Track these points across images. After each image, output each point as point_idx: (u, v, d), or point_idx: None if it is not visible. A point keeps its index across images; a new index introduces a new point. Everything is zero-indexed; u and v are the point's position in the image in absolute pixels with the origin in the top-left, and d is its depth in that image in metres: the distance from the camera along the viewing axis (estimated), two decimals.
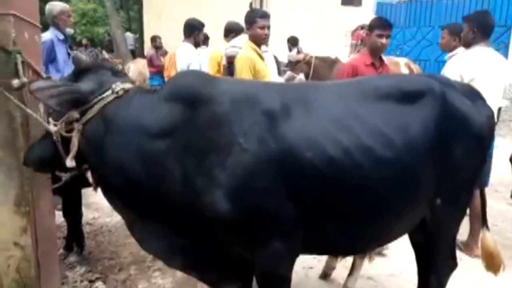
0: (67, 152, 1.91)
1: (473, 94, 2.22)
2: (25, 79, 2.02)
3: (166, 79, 6.58)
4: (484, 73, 3.43)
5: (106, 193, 2.05)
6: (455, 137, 2.05)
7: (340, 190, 1.89)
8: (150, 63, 8.90)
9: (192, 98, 1.86)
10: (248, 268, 2.00)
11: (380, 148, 1.89)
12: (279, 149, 1.79)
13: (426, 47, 10.17)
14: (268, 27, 3.88)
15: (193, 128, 1.80)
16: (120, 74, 2.12)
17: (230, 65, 4.26)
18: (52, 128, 1.93)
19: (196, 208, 1.77)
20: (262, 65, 3.87)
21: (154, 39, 9.49)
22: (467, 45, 3.68)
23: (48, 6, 4.63)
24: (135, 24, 21.54)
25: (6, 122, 2.09)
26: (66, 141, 1.91)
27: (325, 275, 3.31)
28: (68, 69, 4.49)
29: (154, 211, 1.92)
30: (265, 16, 3.89)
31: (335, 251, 2.44)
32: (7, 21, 2.06)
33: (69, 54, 4.77)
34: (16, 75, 2.02)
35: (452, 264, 2.46)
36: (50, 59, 4.40)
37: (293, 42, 8.96)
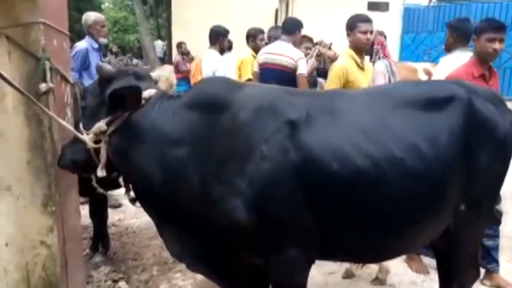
0: (99, 157, 2.00)
1: (496, 100, 2.17)
2: (51, 85, 2.11)
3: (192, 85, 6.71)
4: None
5: (137, 197, 2.09)
6: (481, 144, 2.02)
7: (363, 201, 1.87)
8: (177, 69, 9.08)
9: (214, 104, 1.87)
10: (264, 275, 2.01)
11: (409, 159, 1.87)
12: (300, 158, 1.79)
13: None
14: (371, 32, 3.61)
15: (214, 135, 1.81)
16: (144, 79, 2.13)
17: (262, 72, 4.29)
18: (86, 138, 1.97)
19: (214, 214, 1.78)
20: (358, 75, 3.60)
21: (179, 45, 9.67)
22: (448, 50, 3.80)
23: (84, 17, 4.94)
24: (164, 31, 21.98)
25: (34, 125, 2.18)
26: (97, 149, 1.99)
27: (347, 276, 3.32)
28: None
29: (176, 216, 1.93)
30: (368, 20, 3.60)
31: (355, 260, 2.48)
32: (37, 29, 2.17)
33: (102, 62, 4.98)
34: (44, 80, 2.11)
35: (475, 274, 2.40)
36: (85, 66, 4.69)
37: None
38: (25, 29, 2.16)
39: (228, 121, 1.81)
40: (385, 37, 4.12)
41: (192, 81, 6.81)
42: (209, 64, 5.24)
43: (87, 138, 1.96)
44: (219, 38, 5.34)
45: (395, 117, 1.94)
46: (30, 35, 2.17)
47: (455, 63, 3.49)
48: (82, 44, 4.75)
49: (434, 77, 4.11)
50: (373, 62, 5.04)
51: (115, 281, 3.23)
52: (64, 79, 2.37)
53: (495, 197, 2.34)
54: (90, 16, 4.90)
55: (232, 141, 1.80)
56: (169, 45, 17.40)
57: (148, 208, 2.08)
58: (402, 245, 2.15)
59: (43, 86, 2.09)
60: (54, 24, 2.27)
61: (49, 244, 2.35)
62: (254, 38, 5.31)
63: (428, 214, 1.99)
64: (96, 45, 4.85)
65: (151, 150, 1.88)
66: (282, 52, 4.21)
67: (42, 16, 2.16)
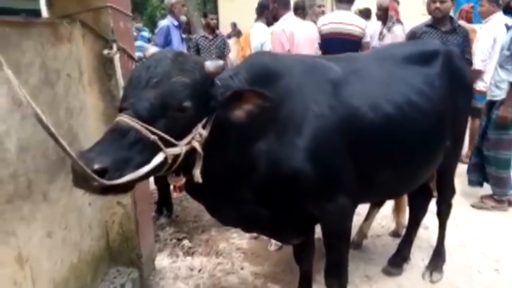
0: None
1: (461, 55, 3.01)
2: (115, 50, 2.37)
3: (241, 58, 6.87)
4: None
5: (203, 185, 1.71)
6: (458, 89, 2.54)
7: (393, 141, 2.18)
8: None
9: (267, 76, 1.96)
10: (312, 223, 2.25)
11: (420, 101, 2.28)
12: (344, 112, 2.02)
13: None
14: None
15: (274, 104, 1.87)
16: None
17: (326, 42, 4.30)
18: (180, 149, 1.54)
19: (279, 174, 1.93)
20: None
21: (233, 26, 9.59)
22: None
23: None
24: (210, 5, 22.06)
25: (108, 100, 2.47)
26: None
27: (357, 245, 3.37)
28: None
29: (243, 188, 1.97)
30: None
31: (388, 197, 2.98)
32: (106, 13, 2.42)
33: (182, 38, 5.50)
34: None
35: (453, 191, 3.03)
36: (166, 42, 5.18)
37: (366, 14, 8.74)
38: (95, 14, 2.42)
39: (281, 89, 1.95)
40: (398, 3, 4.58)
41: (240, 54, 6.97)
42: (257, 37, 5.36)
43: (182, 147, 1.54)
44: (264, 11, 5.43)
45: (401, 69, 2.36)
46: (100, 19, 2.43)
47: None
48: (164, 22, 5.28)
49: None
50: (389, 27, 5.17)
51: (179, 240, 3.58)
52: (130, 57, 2.62)
53: (465, 133, 3.03)
54: None
55: (288, 106, 1.95)
56: (217, 20, 17.49)
57: (215, 188, 1.88)
58: (422, 175, 2.58)
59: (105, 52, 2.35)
60: (120, 7, 2.51)
61: (124, 204, 2.67)
62: (302, 10, 5.36)
63: (436, 146, 2.48)
64: (176, 23, 5.31)
65: (234, 133, 1.79)
66: (351, 22, 4.27)
67: (110, 1, 2.40)
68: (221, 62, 1.71)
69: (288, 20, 4.22)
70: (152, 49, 1.72)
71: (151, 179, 3.81)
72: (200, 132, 1.60)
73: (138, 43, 7.45)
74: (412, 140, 2.26)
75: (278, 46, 4.09)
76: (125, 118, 1.44)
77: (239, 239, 3.53)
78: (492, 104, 4.01)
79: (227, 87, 1.76)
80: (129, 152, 1.42)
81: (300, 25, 4.27)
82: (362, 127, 2.06)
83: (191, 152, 1.59)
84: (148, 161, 1.44)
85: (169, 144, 1.50)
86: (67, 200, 2.14)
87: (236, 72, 1.95)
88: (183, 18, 5.47)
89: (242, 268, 3.12)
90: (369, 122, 2.07)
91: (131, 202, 2.64)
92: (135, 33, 7.60)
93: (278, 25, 4.26)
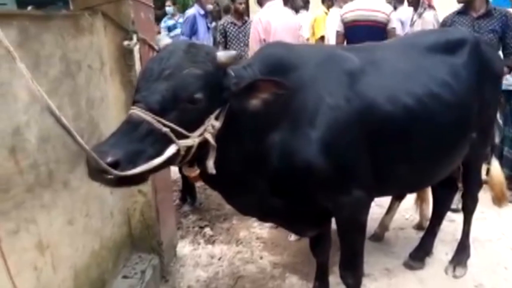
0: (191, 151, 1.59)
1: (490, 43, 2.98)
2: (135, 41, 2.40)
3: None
4: None
5: (217, 175, 1.70)
6: (486, 79, 2.44)
7: (412, 134, 2.12)
8: None
9: (281, 67, 1.93)
10: (327, 216, 2.20)
11: (443, 93, 2.19)
12: (360, 104, 1.97)
13: None
14: None
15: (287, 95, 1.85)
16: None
17: (351, 30, 4.16)
18: (190, 141, 1.54)
19: (292, 165, 1.92)
20: None
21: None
22: None
23: None
24: None
25: (129, 90, 2.51)
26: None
27: (378, 237, 3.33)
28: (207, 41, 5.28)
29: (257, 179, 1.96)
30: None
31: (407, 190, 2.91)
32: (127, 4, 2.44)
33: (208, 27, 5.51)
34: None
35: (480, 185, 2.96)
36: (193, 31, 5.21)
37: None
38: (117, 5, 2.45)
39: (296, 80, 1.91)
40: None
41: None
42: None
43: (194, 139, 1.55)
44: None
45: (424, 59, 2.27)
46: (122, 10, 2.46)
47: None
48: (191, 11, 5.31)
49: None
50: (420, 14, 4.97)
51: (201, 228, 3.63)
52: (151, 47, 2.65)
53: (493, 125, 2.96)
54: None
55: (302, 98, 1.92)
56: (247, 7, 17.42)
57: (227, 176, 1.84)
58: (445, 169, 2.48)
59: (126, 43, 2.38)
60: None
61: (145, 192, 2.73)
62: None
63: (460, 139, 2.39)
64: (202, 12, 5.31)
65: (247, 124, 1.78)
66: (375, 8, 4.10)
67: None
68: (233, 52, 1.71)
69: (271, 8, 4.05)
70: (165, 40, 1.73)
71: (175, 168, 3.88)
72: (213, 124, 1.60)
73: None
74: (433, 133, 2.19)
75: (253, 36, 4.00)
76: (137, 111, 1.46)
77: (259, 228, 3.55)
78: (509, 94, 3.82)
79: (241, 77, 1.75)
80: (142, 145, 1.44)
81: (279, 13, 4.08)
82: (379, 119, 2.01)
83: (204, 143, 1.60)
84: (160, 153, 1.46)
85: (182, 136, 1.51)
86: (88, 188, 2.20)
87: (250, 62, 1.95)
88: (210, 7, 5.45)
89: (261, 258, 3.14)
90: (387, 115, 2.02)
91: (151, 190, 2.70)
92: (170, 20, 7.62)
93: (258, 13, 4.15)
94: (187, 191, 4.15)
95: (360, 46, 2.38)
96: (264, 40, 3.98)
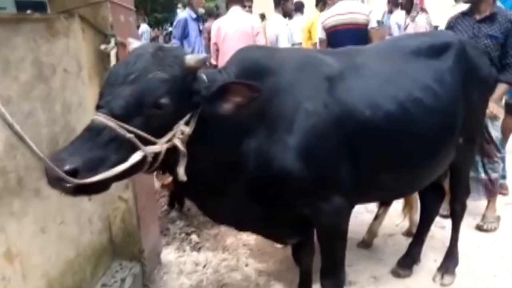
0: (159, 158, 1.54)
1: (476, 46, 2.85)
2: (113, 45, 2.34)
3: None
4: None
5: (190, 183, 1.63)
6: (472, 83, 2.38)
7: (393, 140, 2.07)
8: None
9: (258, 71, 1.89)
10: (307, 224, 2.13)
11: (426, 97, 2.13)
12: (340, 110, 1.93)
13: None
14: None
15: (264, 100, 1.81)
16: None
17: (333, 36, 4.15)
18: (160, 147, 1.50)
19: (268, 172, 1.87)
20: None
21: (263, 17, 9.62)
22: None
23: None
24: None
25: None
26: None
27: (367, 244, 3.27)
28: (198, 44, 5.34)
29: (232, 186, 1.91)
30: None
31: (390, 197, 2.85)
32: (105, 7, 2.40)
33: (200, 31, 5.53)
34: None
35: (467, 192, 2.93)
36: (184, 35, 5.22)
37: (395, 2, 8.46)
38: (95, 8, 2.41)
39: (272, 85, 1.87)
40: None
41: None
42: (272, 29, 5.27)
43: (162, 145, 1.50)
44: (280, 1, 5.32)
45: (407, 64, 2.21)
46: (100, 13, 2.42)
47: None
48: (182, 15, 5.38)
49: None
50: (413, 17, 4.93)
51: (188, 234, 3.57)
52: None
53: (481, 130, 2.93)
54: None
55: (279, 103, 1.88)
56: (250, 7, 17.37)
57: (206, 186, 1.84)
58: (429, 175, 2.44)
59: (103, 47, 2.33)
60: (119, 1, 2.49)
61: (126, 199, 2.67)
62: (324, 1, 5.25)
63: (445, 145, 2.33)
64: (194, 15, 5.32)
65: (221, 129, 1.73)
66: (353, 10, 4.09)
67: None
68: (202, 55, 1.66)
69: (234, 12, 4.26)
70: (134, 44, 1.68)
71: None
72: (182, 129, 1.55)
73: None
74: (416, 139, 2.14)
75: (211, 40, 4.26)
76: (100, 117, 1.42)
77: (247, 235, 3.47)
78: None
79: (214, 81, 1.70)
80: (104, 151, 1.40)
81: (233, 19, 4.22)
82: (359, 125, 1.96)
83: (174, 149, 1.55)
84: (124, 160, 1.42)
85: (148, 142, 1.46)
86: (62, 196, 2.14)
87: (225, 66, 1.92)
88: (201, 10, 5.42)
89: (246, 265, 3.08)
90: (367, 120, 1.97)
91: (132, 197, 2.65)
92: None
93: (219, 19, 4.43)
94: (175, 196, 4.09)
95: (341, 50, 2.34)
96: (215, 44, 4.21)
